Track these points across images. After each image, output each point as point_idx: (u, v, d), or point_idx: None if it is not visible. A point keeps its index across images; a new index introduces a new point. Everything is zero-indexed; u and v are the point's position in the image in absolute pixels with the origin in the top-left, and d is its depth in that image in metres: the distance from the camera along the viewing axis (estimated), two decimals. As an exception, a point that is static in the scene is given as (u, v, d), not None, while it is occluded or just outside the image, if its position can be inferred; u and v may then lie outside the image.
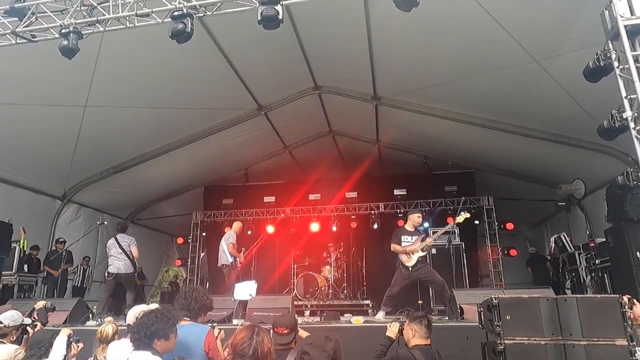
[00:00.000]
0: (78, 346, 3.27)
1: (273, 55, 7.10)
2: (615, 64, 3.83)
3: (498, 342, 2.82)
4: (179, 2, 4.36)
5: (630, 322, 2.75)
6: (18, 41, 4.78)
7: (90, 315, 6.46)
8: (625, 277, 5.84)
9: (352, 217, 10.81)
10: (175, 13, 4.34)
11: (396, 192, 10.77)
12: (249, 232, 11.06)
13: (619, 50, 3.82)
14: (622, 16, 3.74)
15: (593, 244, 7.60)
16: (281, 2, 4.22)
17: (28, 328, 3.74)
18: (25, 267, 8.02)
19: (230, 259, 7.68)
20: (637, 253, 5.52)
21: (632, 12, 3.76)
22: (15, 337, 3.56)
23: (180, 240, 12.54)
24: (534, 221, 12.31)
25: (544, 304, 2.81)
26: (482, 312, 3.16)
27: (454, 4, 5.32)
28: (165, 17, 4.48)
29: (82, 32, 4.55)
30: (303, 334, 3.10)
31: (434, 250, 9.04)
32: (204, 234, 11.36)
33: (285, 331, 2.88)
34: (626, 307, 2.77)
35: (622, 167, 5.55)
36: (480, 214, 10.19)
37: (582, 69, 4.19)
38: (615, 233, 6.35)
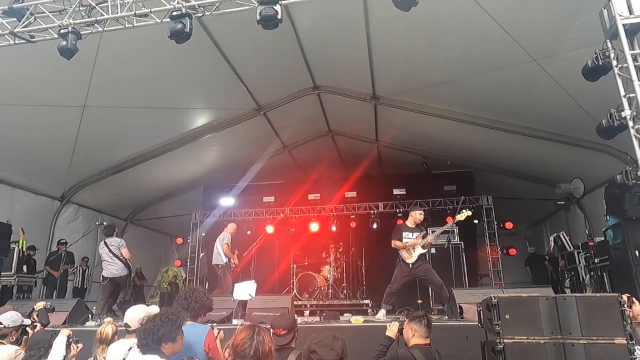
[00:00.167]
0: (77, 347, 3.27)
1: (272, 55, 7.10)
2: (614, 63, 3.83)
3: (497, 341, 2.82)
4: (178, 2, 4.35)
5: (629, 321, 2.75)
6: (16, 42, 4.78)
7: (90, 316, 6.45)
8: (625, 276, 5.85)
9: (352, 216, 10.81)
10: (174, 13, 4.34)
11: (395, 191, 10.78)
12: (249, 232, 11.07)
13: (617, 49, 3.83)
14: (620, 15, 3.75)
15: (592, 243, 7.62)
16: (280, 2, 4.21)
17: (28, 329, 3.74)
18: (25, 268, 8.01)
19: (225, 260, 7.73)
20: (636, 252, 5.53)
21: (630, 11, 3.77)
22: (15, 338, 3.56)
23: (179, 241, 12.53)
24: (533, 220, 12.34)
25: (543, 303, 2.82)
26: (481, 312, 3.17)
27: (453, 3, 5.32)
28: (164, 17, 4.47)
29: (81, 32, 4.54)
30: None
31: (433, 250, 9.06)
32: (203, 234, 11.35)
33: (283, 332, 2.88)
34: (625, 305, 2.78)
35: (621, 166, 5.56)
36: (480, 214, 10.18)
37: (581, 68, 4.19)
38: (614, 232, 6.36)
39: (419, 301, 7.76)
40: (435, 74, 6.99)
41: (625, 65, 3.71)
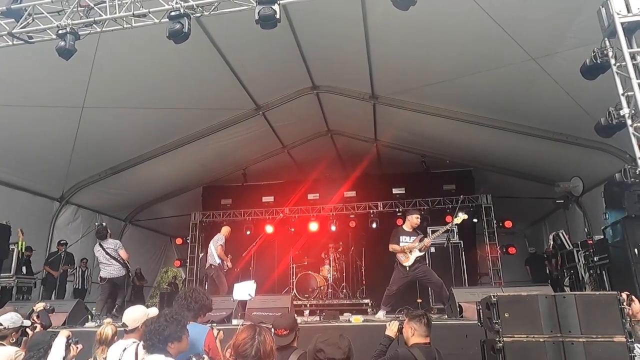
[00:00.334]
0: (77, 347, 3.27)
1: (271, 54, 7.10)
2: (612, 61, 3.84)
3: (497, 339, 2.82)
4: (176, 2, 4.35)
5: (628, 319, 2.76)
6: (15, 42, 4.77)
7: (90, 317, 6.45)
8: (624, 274, 5.85)
9: (351, 216, 10.83)
10: (173, 13, 4.33)
11: (395, 191, 10.79)
12: (248, 232, 11.08)
13: (615, 48, 3.83)
14: (618, 13, 3.75)
15: (591, 241, 7.62)
16: (278, 2, 4.21)
17: (28, 330, 3.74)
18: (24, 269, 8.00)
19: (218, 260, 7.77)
20: (635, 250, 5.54)
21: (628, 10, 3.77)
22: (15, 339, 3.56)
23: (179, 241, 12.52)
24: (532, 219, 12.35)
25: (542, 302, 2.82)
26: (481, 310, 3.17)
27: (451, 2, 5.32)
28: (162, 18, 4.47)
29: (79, 32, 4.54)
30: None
31: (432, 249, 9.06)
32: (202, 234, 11.34)
33: (285, 332, 2.89)
34: (624, 303, 2.78)
35: (620, 164, 5.58)
36: (479, 212, 10.21)
37: (580, 67, 4.20)
38: (613, 230, 6.36)
39: (419, 300, 7.76)
40: (434, 73, 6.99)
41: (624, 63, 3.72)
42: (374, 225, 10.56)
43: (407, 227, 6.31)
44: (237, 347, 2.12)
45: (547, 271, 10.22)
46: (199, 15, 4.55)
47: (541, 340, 2.73)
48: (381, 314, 6.11)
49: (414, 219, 6.31)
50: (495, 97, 7.17)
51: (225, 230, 8.35)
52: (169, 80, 7.06)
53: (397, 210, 10.41)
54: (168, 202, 12.08)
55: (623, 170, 3.87)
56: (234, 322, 5.67)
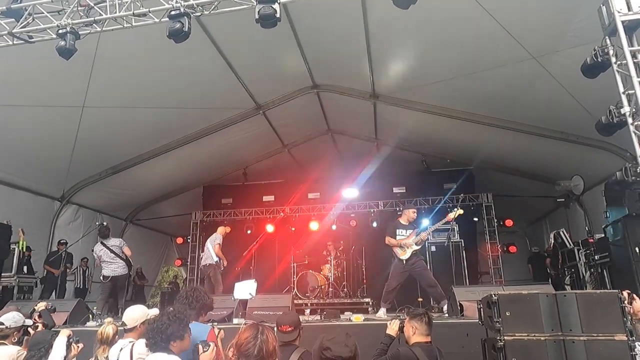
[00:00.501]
0: (78, 346, 3.28)
1: (271, 54, 7.09)
2: (613, 59, 3.82)
3: (498, 338, 2.83)
4: (176, 2, 4.34)
5: (629, 317, 2.76)
6: (15, 42, 4.77)
7: (91, 316, 6.46)
8: (625, 273, 5.85)
9: (352, 215, 10.82)
10: (173, 12, 4.33)
11: (395, 190, 10.79)
12: (249, 232, 11.09)
13: (616, 46, 3.82)
14: (619, 12, 3.74)
15: (592, 240, 7.62)
16: (278, 1, 4.20)
17: (29, 329, 3.75)
18: (25, 269, 8.00)
19: (216, 259, 7.78)
20: (636, 248, 5.53)
21: (629, 8, 3.76)
22: (16, 339, 3.57)
23: (179, 240, 12.55)
24: (533, 218, 12.34)
25: (543, 300, 2.82)
26: (481, 309, 3.17)
27: (452, 1, 5.32)
28: (162, 17, 4.46)
29: (79, 32, 4.53)
30: None
31: (433, 248, 9.08)
32: (203, 233, 11.35)
33: (290, 329, 2.91)
34: (625, 302, 2.78)
35: (621, 162, 5.57)
36: (480, 211, 10.20)
37: (580, 66, 4.19)
38: (614, 228, 6.36)
39: (420, 299, 7.76)
40: (434, 72, 6.99)
41: (624, 62, 3.71)
42: (375, 224, 10.56)
43: (403, 220, 6.41)
44: (240, 346, 2.12)
45: (547, 270, 10.23)
46: (199, 14, 4.55)
47: (542, 338, 2.73)
48: (382, 313, 6.11)
49: (410, 213, 6.43)
50: (496, 95, 7.16)
51: (222, 230, 8.36)
52: (169, 79, 7.05)
53: (397, 209, 10.39)
54: (169, 202, 12.09)
55: (624, 168, 3.87)
56: (235, 321, 5.67)
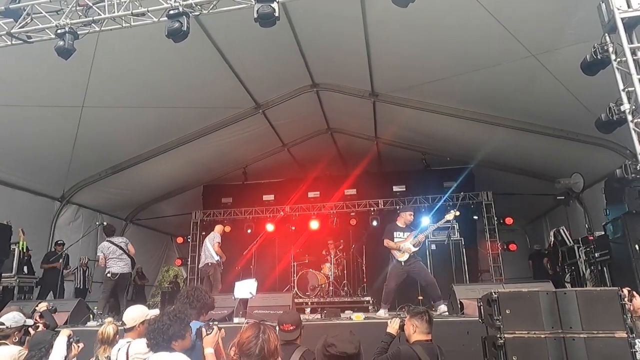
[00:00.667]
0: (78, 346, 3.29)
1: (270, 53, 7.09)
2: (613, 57, 3.82)
3: (498, 336, 2.83)
4: (175, 1, 4.34)
5: (629, 315, 2.76)
6: (14, 42, 4.76)
7: (91, 316, 6.47)
8: (625, 270, 5.85)
9: (352, 214, 10.83)
10: (171, 12, 4.33)
11: (395, 188, 10.78)
12: (249, 231, 11.09)
13: (616, 43, 3.82)
14: (619, 9, 3.74)
15: (592, 238, 7.62)
16: (277, 0, 4.20)
17: (30, 329, 3.76)
18: (25, 269, 8.00)
19: (217, 258, 7.79)
20: (636, 246, 5.53)
21: (629, 5, 3.76)
22: (17, 339, 3.58)
23: (180, 240, 12.54)
24: (533, 216, 12.34)
25: (543, 298, 2.82)
26: (482, 307, 3.17)
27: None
28: (161, 16, 4.46)
29: (78, 32, 4.53)
30: None
31: (433, 246, 9.08)
32: (203, 233, 11.34)
33: (291, 327, 2.92)
34: (625, 299, 2.78)
35: (620, 160, 5.56)
36: (480, 209, 10.20)
37: (580, 63, 4.19)
38: (614, 226, 6.36)
39: (420, 298, 7.77)
40: (434, 71, 6.98)
41: (624, 59, 3.70)
42: (375, 223, 10.56)
43: (400, 223, 6.47)
44: (242, 345, 2.12)
45: (547, 268, 10.24)
46: (197, 13, 4.54)
47: (542, 336, 2.73)
48: (382, 312, 6.12)
49: (407, 216, 6.50)
50: (495, 94, 7.16)
51: (219, 228, 8.35)
52: (169, 79, 7.05)
53: (397, 207, 10.39)
54: (169, 201, 12.09)
55: (623, 166, 3.87)
56: (235, 320, 5.68)
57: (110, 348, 3.21)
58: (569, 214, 9.34)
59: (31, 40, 4.77)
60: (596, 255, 7.27)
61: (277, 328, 2.90)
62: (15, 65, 5.67)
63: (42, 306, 4.69)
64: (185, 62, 6.65)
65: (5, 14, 4.62)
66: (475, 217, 10.30)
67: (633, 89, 3.62)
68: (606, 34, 3.89)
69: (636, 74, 3.63)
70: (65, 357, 3.16)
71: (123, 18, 4.56)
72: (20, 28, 4.65)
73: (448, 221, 6.93)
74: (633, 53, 3.70)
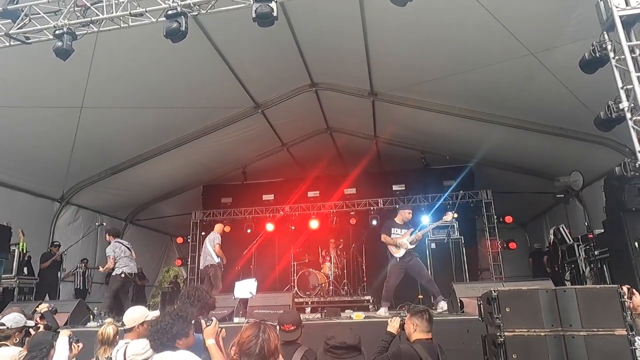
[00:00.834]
0: (78, 346, 3.30)
1: (269, 52, 7.08)
2: (611, 54, 3.82)
3: (498, 334, 2.82)
4: (173, 1, 4.34)
5: (629, 312, 2.76)
6: (12, 43, 4.76)
7: (91, 317, 6.47)
8: (624, 268, 5.85)
9: (351, 213, 10.83)
10: (169, 12, 4.33)
11: (395, 187, 10.79)
12: (249, 231, 11.09)
13: (614, 41, 3.82)
14: (617, 7, 3.74)
15: (592, 235, 7.62)
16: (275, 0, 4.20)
17: (31, 330, 3.76)
18: (25, 270, 7.99)
19: (217, 259, 7.76)
20: (636, 243, 5.53)
21: (627, 3, 3.76)
22: (18, 339, 3.58)
23: (179, 240, 12.54)
24: (533, 214, 12.35)
25: (543, 296, 2.82)
26: (482, 305, 3.17)
27: (449, -2, 5.31)
28: (159, 17, 4.46)
29: (76, 32, 4.53)
30: None
31: (433, 245, 9.08)
32: (203, 233, 11.34)
33: (292, 327, 2.92)
34: (625, 297, 2.78)
35: (620, 158, 5.55)
36: (479, 208, 10.21)
37: (578, 61, 4.19)
38: (613, 224, 6.36)
39: (420, 296, 7.77)
40: (432, 69, 6.98)
41: (623, 57, 3.71)
42: (375, 222, 10.56)
43: (398, 220, 6.58)
44: (242, 344, 2.12)
45: (545, 266, 10.25)
46: (195, 13, 4.54)
47: (542, 334, 2.73)
48: (382, 311, 6.13)
49: (405, 214, 6.62)
50: (494, 92, 7.16)
51: (219, 227, 8.29)
52: (168, 79, 7.04)
53: (397, 207, 10.38)
54: (168, 202, 12.09)
55: (623, 163, 3.87)
56: (236, 320, 5.68)
57: (110, 349, 3.21)
58: (568, 212, 9.35)
59: (29, 41, 4.76)
60: (596, 253, 7.27)
61: (278, 328, 2.90)
62: (14, 66, 5.66)
63: (43, 307, 4.69)
64: (184, 62, 6.64)
65: (3, 15, 4.61)
66: (476, 217, 10.31)
67: (632, 86, 3.63)
68: (605, 32, 3.89)
69: (635, 72, 3.63)
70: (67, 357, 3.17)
71: (121, 18, 4.55)
72: (18, 29, 4.64)
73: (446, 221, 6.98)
74: (631, 51, 3.70)
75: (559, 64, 5.72)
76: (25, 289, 7.96)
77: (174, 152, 9.34)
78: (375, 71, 7.52)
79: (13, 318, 3.60)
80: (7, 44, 4.76)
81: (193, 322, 2.70)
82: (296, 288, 9.19)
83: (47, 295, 8.35)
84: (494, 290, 2.94)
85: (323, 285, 9.13)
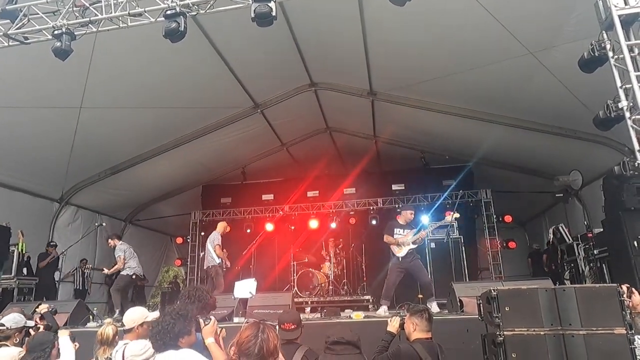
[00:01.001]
0: (75, 345, 3.31)
1: (268, 52, 7.08)
2: (610, 54, 3.83)
3: (498, 333, 2.83)
4: (172, 1, 4.33)
5: (628, 311, 2.76)
6: (11, 43, 4.75)
7: (91, 317, 6.48)
8: (624, 267, 5.86)
9: (351, 213, 10.83)
10: (168, 12, 4.33)
11: (394, 187, 10.78)
12: (248, 230, 11.09)
13: (613, 40, 3.82)
14: (616, 6, 3.75)
15: (591, 235, 7.63)
16: (274, -1, 4.20)
17: (31, 330, 3.76)
18: (25, 271, 7.98)
19: (218, 260, 7.74)
20: (635, 242, 5.54)
21: (625, 2, 3.77)
22: (18, 340, 3.58)
23: (179, 240, 12.53)
24: (532, 213, 12.36)
25: (542, 295, 2.82)
26: (481, 305, 3.17)
27: (448, -3, 5.31)
28: (158, 17, 4.46)
29: (75, 33, 4.53)
30: None
31: (433, 244, 9.09)
32: (202, 233, 11.34)
33: (292, 326, 2.93)
34: (625, 296, 2.79)
35: (619, 157, 5.57)
36: (479, 207, 10.21)
37: (577, 60, 4.19)
38: (612, 223, 6.36)
39: (420, 296, 7.78)
40: (432, 69, 6.98)
41: (622, 56, 3.72)
42: (374, 222, 10.57)
43: (401, 220, 6.65)
44: (241, 344, 2.12)
45: (543, 265, 10.27)
46: (194, 13, 4.54)
47: (542, 333, 2.74)
48: (382, 310, 6.14)
49: (408, 214, 6.68)
50: (493, 91, 7.16)
51: (221, 226, 8.16)
52: (167, 79, 7.04)
53: (396, 206, 10.40)
54: (168, 202, 12.07)
55: (622, 163, 3.88)
56: (235, 319, 5.68)
57: (110, 349, 3.22)
58: (568, 211, 9.35)
59: (28, 41, 4.76)
60: (595, 252, 7.28)
61: (278, 327, 2.90)
62: (13, 66, 5.65)
63: (43, 308, 4.69)
64: (183, 62, 6.63)
65: (1, 15, 4.61)
66: (476, 217, 10.32)
67: (630, 85, 3.64)
68: (603, 31, 3.90)
69: (633, 71, 3.64)
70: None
71: (120, 18, 4.55)
72: (17, 29, 4.64)
73: (449, 222, 7.06)
74: (630, 50, 3.71)
75: (558, 64, 5.72)
76: (25, 290, 7.95)
77: (173, 152, 9.33)
78: (375, 71, 7.52)
79: (13, 318, 3.61)
80: (6, 44, 4.75)
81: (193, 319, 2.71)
82: (296, 288, 9.19)
83: (44, 297, 8.34)
84: (494, 290, 2.95)
85: (323, 285, 9.13)
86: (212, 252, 7.82)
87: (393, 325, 3.33)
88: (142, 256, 11.90)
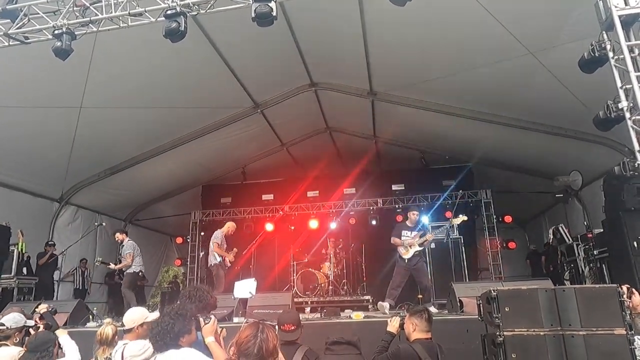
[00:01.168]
0: None
1: (268, 52, 7.08)
2: (610, 54, 3.83)
3: (497, 333, 2.83)
4: (172, 1, 4.33)
5: (628, 312, 2.76)
6: (11, 43, 4.75)
7: (91, 317, 6.48)
8: (624, 267, 5.86)
9: (351, 213, 10.83)
10: (169, 12, 4.32)
11: (394, 187, 10.78)
12: (248, 231, 11.08)
13: (613, 41, 3.82)
14: (616, 6, 3.75)
15: (591, 235, 7.63)
16: (275, -1, 4.20)
17: (31, 330, 3.76)
18: (24, 270, 7.98)
19: (218, 259, 7.68)
20: (635, 243, 5.54)
21: (626, 2, 3.77)
22: (18, 339, 3.58)
23: (179, 240, 12.53)
24: (532, 213, 12.36)
25: (542, 295, 2.82)
26: (481, 305, 3.17)
27: (448, -3, 5.31)
28: (158, 16, 4.46)
29: (75, 32, 4.53)
30: None
31: (433, 245, 9.08)
32: (202, 233, 11.34)
33: (292, 327, 2.92)
34: (624, 296, 2.78)
35: (619, 157, 5.56)
36: (479, 207, 10.21)
37: (578, 61, 4.19)
38: (612, 223, 6.36)
39: (420, 296, 7.78)
40: (432, 69, 6.99)
41: (622, 56, 3.71)
42: (374, 222, 10.57)
43: (409, 222, 6.78)
44: (240, 344, 2.12)
45: (542, 266, 10.28)
46: (195, 13, 4.54)
47: (541, 334, 2.73)
48: (385, 304, 6.23)
49: (411, 216, 6.82)
50: (493, 92, 7.16)
51: (226, 226, 8.01)
52: (167, 79, 7.04)
53: (396, 206, 10.41)
54: (168, 202, 12.07)
55: (622, 163, 3.88)
56: (235, 320, 5.68)
57: (109, 349, 3.22)
58: (567, 212, 9.35)
59: (28, 41, 4.76)
60: (595, 252, 7.28)
61: (277, 329, 2.90)
62: (13, 66, 5.65)
63: (42, 307, 4.68)
64: (183, 62, 6.63)
65: (2, 15, 4.61)
66: (476, 217, 10.33)
67: (631, 86, 3.63)
68: (604, 32, 3.90)
69: (634, 72, 3.64)
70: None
71: (120, 18, 4.55)
72: (17, 29, 4.64)
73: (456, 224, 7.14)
74: (631, 50, 3.71)
75: (558, 64, 5.72)
76: (25, 289, 7.95)
77: (173, 152, 9.33)
78: (375, 71, 7.52)
79: (13, 318, 3.60)
80: (6, 43, 4.75)
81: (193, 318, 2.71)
82: (296, 288, 9.19)
83: (42, 297, 8.33)
84: (494, 290, 2.94)
85: (322, 285, 9.12)
86: (211, 251, 7.82)
87: (393, 326, 3.33)
88: (142, 256, 11.94)
